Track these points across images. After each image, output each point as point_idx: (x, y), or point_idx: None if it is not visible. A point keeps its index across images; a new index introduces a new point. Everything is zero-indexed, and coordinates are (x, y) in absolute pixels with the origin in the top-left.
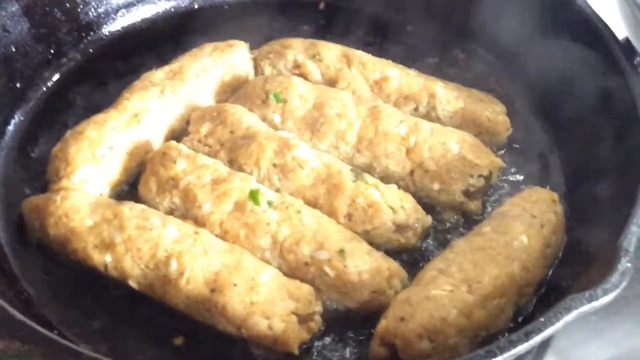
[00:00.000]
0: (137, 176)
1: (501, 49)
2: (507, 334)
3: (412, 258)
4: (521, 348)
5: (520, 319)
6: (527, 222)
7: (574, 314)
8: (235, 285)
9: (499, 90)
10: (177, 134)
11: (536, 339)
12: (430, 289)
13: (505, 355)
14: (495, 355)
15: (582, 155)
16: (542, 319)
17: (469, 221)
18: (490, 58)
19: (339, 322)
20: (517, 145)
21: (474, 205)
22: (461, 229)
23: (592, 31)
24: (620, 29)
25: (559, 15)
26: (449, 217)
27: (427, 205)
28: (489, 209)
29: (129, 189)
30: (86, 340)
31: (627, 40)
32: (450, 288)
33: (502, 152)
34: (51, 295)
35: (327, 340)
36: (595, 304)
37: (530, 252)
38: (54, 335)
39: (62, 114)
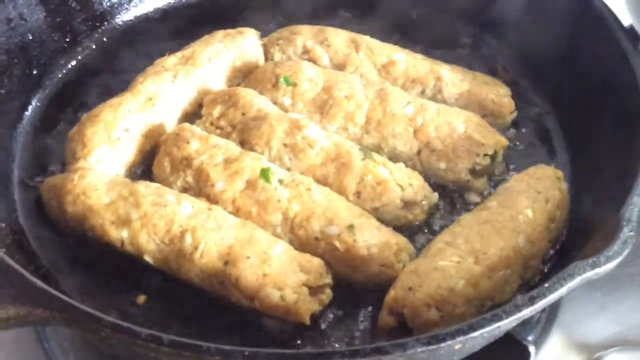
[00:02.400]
0: (152, 158)
1: (508, 35)
2: None
3: (419, 234)
4: (526, 312)
5: (526, 291)
6: (532, 197)
7: (577, 279)
8: (248, 258)
9: (505, 76)
10: (190, 117)
11: (541, 304)
12: (438, 260)
13: (511, 318)
14: (500, 319)
15: (587, 134)
16: (546, 285)
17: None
18: (497, 44)
19: (349, 294)
20: (522, 126)
21: (479, 184)
22: (467, 206)
23: (597, 17)
24: (625, 17)
25: (565, 2)
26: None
27: (434, 184)
28: (495, 188)
29: (144, 171)
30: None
31: (632, 27)
32: (458, 259)
33: (507, 132)
34: (69, 272)
35: (337, 311)
36: (598, 270)
37: (535, 226)
38: (76, 302)
39: (77, 100)
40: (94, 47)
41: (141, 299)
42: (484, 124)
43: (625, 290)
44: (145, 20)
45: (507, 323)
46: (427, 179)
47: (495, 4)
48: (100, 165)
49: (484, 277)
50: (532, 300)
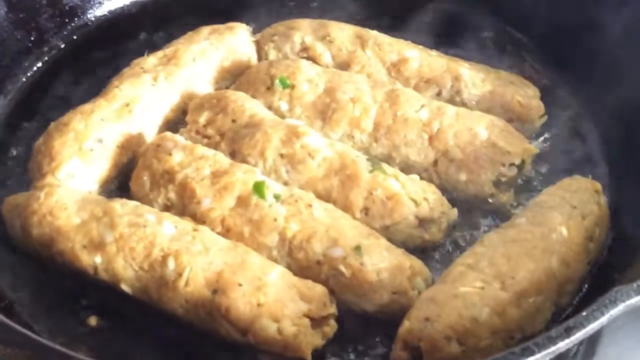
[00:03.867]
0: (129, 172)
1: (536, 28)
2: None
3: (436, 256)
4: (561, 345)
5: (560, 321)
6: (566, 213)
7: (620, 307)
8: (239, 285)
9: (534, 75)
10: (173, 125)
11: (578, 335)
12: (459, 286)
13: (544, 352)
14: (532, 353)
15: (628, 140)
16: (584, 313)
17: (501, 216)
18: (524, 40)
19: (356, 326)
20: (554, 132)
21: (505, 197)
22: (492, 224)
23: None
24: None
25: None
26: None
27: (453, 198)
28: (523, 202)
29: (120, 187)
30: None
31: None
32: (481, 285)
33: (537, 139)
34: (33, 303)
35: (343, 346)
36: None
37: (571, 246)
38: (40, 338)
39: (44, 106)
40: (62, 46)
41: (93, 320)
42: (510, 130)
43: None
44: (120, 16)
45: (539, 358)
46: (444, 192)
47: None
48: (70, 180)
49: (512, 305)
50: (568, 331)
